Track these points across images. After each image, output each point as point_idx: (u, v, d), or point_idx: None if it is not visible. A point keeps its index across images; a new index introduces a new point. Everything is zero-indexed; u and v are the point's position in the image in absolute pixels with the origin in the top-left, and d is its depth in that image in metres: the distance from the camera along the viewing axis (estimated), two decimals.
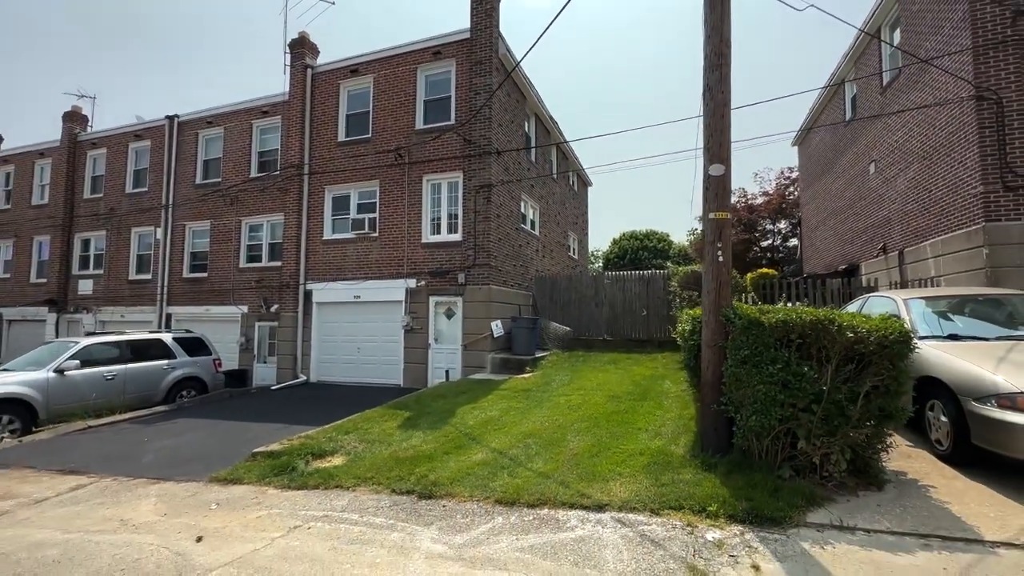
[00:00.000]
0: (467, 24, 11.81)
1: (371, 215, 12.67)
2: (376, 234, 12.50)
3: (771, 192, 25.73)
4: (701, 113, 4.74)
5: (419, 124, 12.36)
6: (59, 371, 8.63)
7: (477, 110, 11.36)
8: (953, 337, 4.97)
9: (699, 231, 35.05)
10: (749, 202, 25.47)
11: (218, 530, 3.99)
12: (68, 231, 17.16)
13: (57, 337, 16.34)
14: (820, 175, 16.95)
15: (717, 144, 4.56)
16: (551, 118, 15.80)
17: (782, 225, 26.50)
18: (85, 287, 16.68)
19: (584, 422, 6.38)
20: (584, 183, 22.43)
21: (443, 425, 6.75)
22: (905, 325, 3.93)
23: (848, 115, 14.29)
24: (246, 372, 13.42)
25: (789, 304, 8.09)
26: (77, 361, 8.85)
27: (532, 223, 14.91)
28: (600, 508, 3.89)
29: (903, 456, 4.63)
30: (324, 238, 13.16)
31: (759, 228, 26.19)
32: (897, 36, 11.35)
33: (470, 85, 11.68)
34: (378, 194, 12.61)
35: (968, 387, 4.14)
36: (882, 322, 3.87)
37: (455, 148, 11.79)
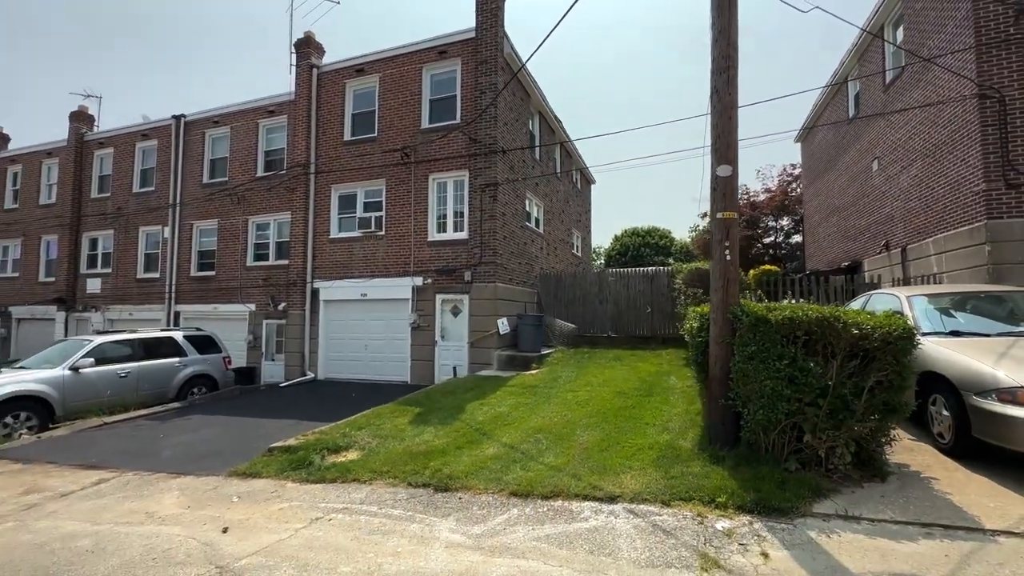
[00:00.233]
0: (466, 24, 11.92)
1: (377, 214, 12.78)
2: (382, 232, 12.62)
3: (774, 189, 25.78)
4: (708, 115, 4.84)
5: (425, 123, 12.45)
6: (74, 369, 8.78)
7: (483, 109, 11.45)
8: (955, 333, 5.08)
9: (701, 228, 35.13)
10: (751, 199, 25.53)
11: (242, 522, 4.13)
12: (76, 230, 17.31)
13: (66, 335, 16.53)
14: (823, 172, 17.02)
15: (724, 145, 4.67)
16: (555, 116, 15.89)
17: (784, 222, 26.57)
18: (93, 286, 16.84)
19: (592, 417, 6.50)
20: (587, 181, 22.51)
21: (454, 421, 6.88)
22: (908, 322, 4.04)
23: (851, 112, 14.35)
24: (254, 369, 13.57)
25: (793, 301, 8.20)
26: (92, 359, 9.00)
27: (536, 221, 15.01)
28: (612, 500, 4.02)
29: (906, 449, 4.75)
30: (331, 236, 13.29)
31: (761, 225, 26.26)
32: (900, 34, 11.41)
33: (475, 84, 11.77)
34: (384, 193, 12.73)
35: (969, 382, 4.25)
36: (886, 319, 3.98)
37: (461, 147, 11.89)
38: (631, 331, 12.77)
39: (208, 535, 3.90)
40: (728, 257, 4.61)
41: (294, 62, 13.90)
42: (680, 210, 75.02)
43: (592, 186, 23.30)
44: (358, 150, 13.08)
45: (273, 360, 13.87)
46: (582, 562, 3.18)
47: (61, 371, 8.63)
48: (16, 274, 18.63)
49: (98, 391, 9.00)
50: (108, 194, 17.01)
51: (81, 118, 17.68)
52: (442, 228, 12.29)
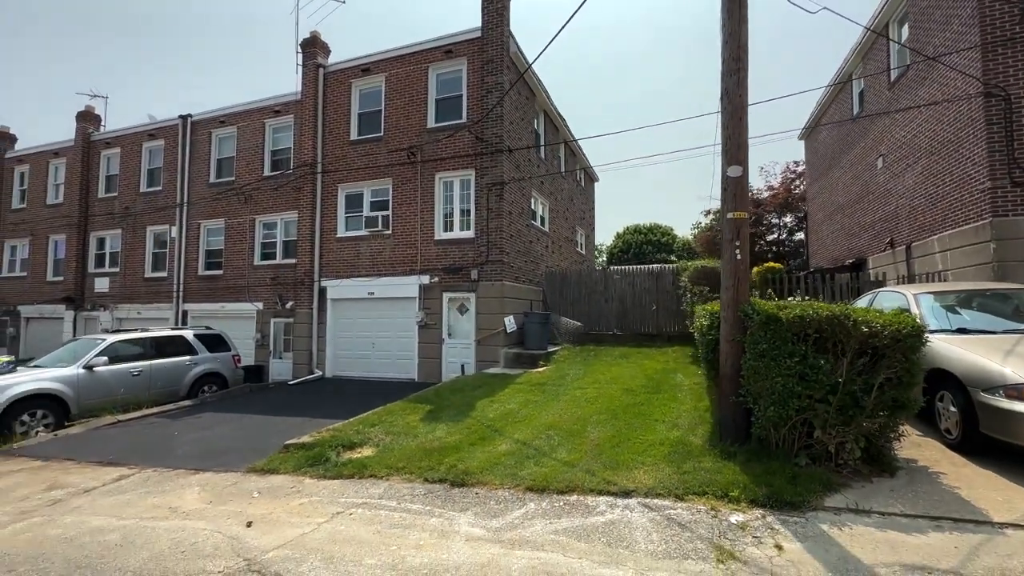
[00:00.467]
0: (465, 23, 11.99)
1: (384, 213, 12.86)
2: (389, 231, 12.70)
3: (777, 186, 25.78)
4: (719, 116, 4.91)
5: (431, 122, 12.52)
6: (88, 367, 8.89)
7: (490, 109, 11.51)
8: (962, 331, 5.15)
9: (703, 225, 35.15)
10: (755, 196, 25.52)
11: (265, 516, 4.23)
12: (84, 230, 17.43)
13: (75, 334, 16.67)
14: (827, 169, 17.05)
15: (735, 146, 4.74)
16: (559, 115, 15.94)
17: (787, 219, 26.57)
18: (102, 285, 16.96)
19: (602, 414, 6.59)
20: (591, 179, 22.56)
21: (464, 418, 6.97)
22: (915, 319, 4.11)
23: (856, 110, 14.38)
24: (263, 368, 13.68)
25: (801, 299, 8.26)
26: (105, 358, 9.11)
27: (542, 219, 15.08)
28: (627, 494, 4.11)
29: (913, 445, 4.83)
30: (338, 235, 13.38)
31: (765, 222, 26.27)
32: (905, 32, 11.43)
33: (481, 83, 11.83)
34: (391, 192, 12.81)
35: (977, 378, 4.33)
36: (895, 317, 4.06)
37: (467, 146, 11.96)
38: (636, 329, 12.85)
39: (233, 529, 4.00)
40: (739, 256, 4.68)
41: (300, 62, 13.96)
42: (682, 208, 75.01)
43: (596, 184, 23.34)
44: (364, 149, 13.15)
45: (281, 358, 13.99)
46: (600, 554, 3.27)
47: (76, 370, 8.75)
48: (24, 273, 18.77)
49: (112, 389, 9.11)
50: (115, 194, 17.12)
51: (88, 118, 17.77)
52: (448, 227, 12.37)
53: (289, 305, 13.72)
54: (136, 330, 10.83)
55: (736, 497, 3.83)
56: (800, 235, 25.94)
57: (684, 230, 42.13)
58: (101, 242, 17.46)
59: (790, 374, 4.12)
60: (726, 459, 4.52)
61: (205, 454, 6.47)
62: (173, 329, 11.60)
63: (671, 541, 3.36)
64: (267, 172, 14.69)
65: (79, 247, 17.33)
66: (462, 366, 11.44)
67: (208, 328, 11.87)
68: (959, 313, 5.62)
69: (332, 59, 14.08)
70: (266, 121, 14.79)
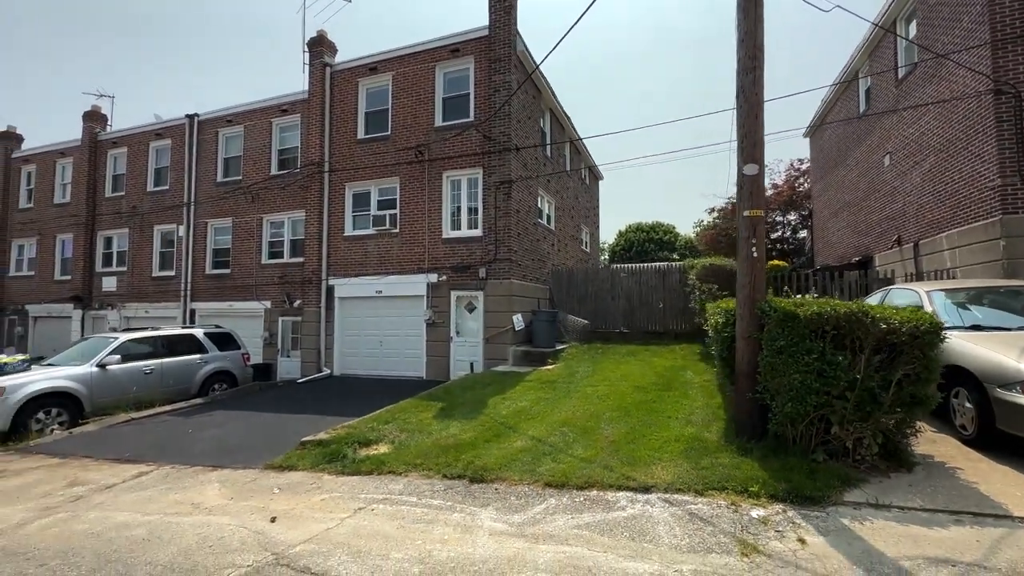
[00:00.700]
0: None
1: (391, 211, 12.90)
2: (397, 230, 12.75)
3: (781, 184, 25.75)
4: (734, 114, 4.94)
5: (438, 121, 12.55)
6: (101, 366, 8.95)
7: (498, 108, 11.54)
8: (976, 328, 5.18)
9: (706, 223, 35.12)
10: None
11: (288, 512, 4.28)
12: (91, 229, 17.50)
13: (82, 333, 16.76)
14: (833, 167, 17.05)
15: (751, 145, 4.77)
16: (565, 114, 15.96)
17: (792, 217, 26.55)
18: (109, 284, 17.05)
19: (614, 411, 6.63)
20: (595, 177, 22.58)
21: (477, 415, 7.02)
22: (934, 316, 4.14)
23: (862, 108, 14.37)
24: (271, 366, 13.75)
25: (813, 296, 8.28)
26: (118, 356, 9.17)
27: (548, 217, 15.11)
28: (646, 490, 4.15)
29: (928, 441, 4.86)
30: (345, 234, 13.42)
31: (769, 220, 26.24)
32: (913, 29, 11.43)
33: (489, 82, 11.86)
34: (398, 191, 12.85)
35: (993, 375, 4.36)
36: (913, 313, 4.09)
37: (474, 144, 11.99)
38: (643, 326, 12.89)
39: (257, 524, 4.05)
40: (755, 254, 4.72)
41: (307, 61, 14.01)
42: (683, 206, 74.94)
43: (600, 182, 23.35)
44: (372, 148, 13.19)
45: (289, 356, 14.06)
46: (625, 548, 3.31)
47: (89, 368, 8.81)
48: (32, 273, 18.86)
49: (124, 387, 9.18)
50: (122, 193, 17.19)
51: (94, 118, 17.84)
52: (456, 225, 12.40)
53: (297, 304, 13.78)
54: (147, 328, 10.90)
55: (756, 492, 3.87)
56: (804, 233, 25.93)
57: (685, 228, 42.11)
58: (108, 241, 17.54)
59: (808, 370, 4.15)
60: (743, 455, 4.56)
61: (221, 451, 6.52)
62: (183, 328, 11.67)
63: (694, 535, 3.40)
64: (274, 171, 14.74)
65: (86, 246, 17.41)
66: (471, 364, 11.49)
67: (218, 327, 11.93)
68: (972, 310, 5.65)
69: (338, 59, 14.11)
70: (273, 120, 14.83)
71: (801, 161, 24.77)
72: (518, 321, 11.63)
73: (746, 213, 4.75)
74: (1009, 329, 5.09)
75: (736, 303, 4.95)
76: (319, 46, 13.89)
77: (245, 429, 7.74)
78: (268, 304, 14.34)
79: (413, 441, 6.01)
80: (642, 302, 13.02)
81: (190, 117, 15.88)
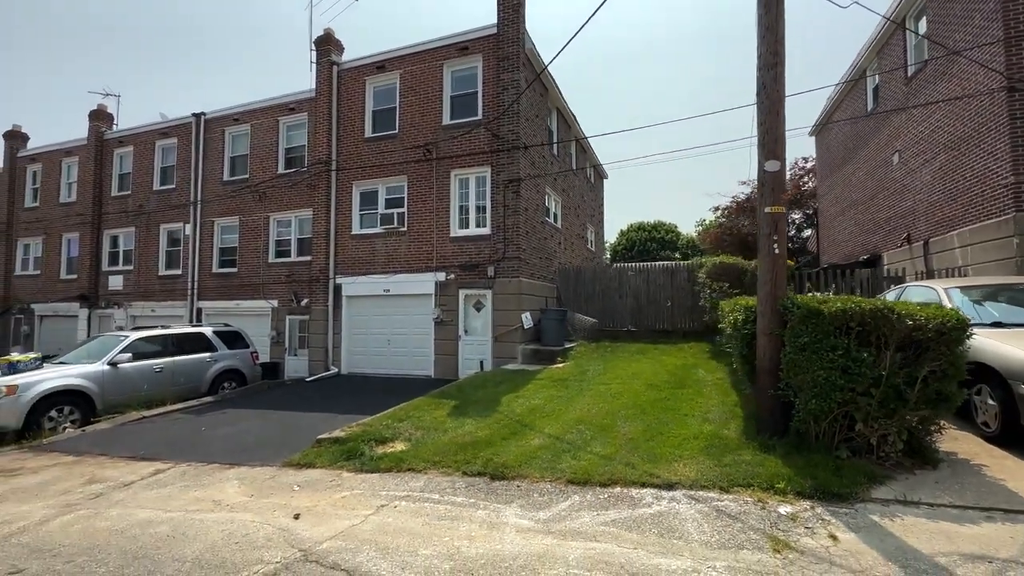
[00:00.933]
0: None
1: (399, 210, 12.89)
2: (404, 228, 12.74)
3: (785, 182, 25.70)
4: (754, 111, 4.92)
5: (446, 120, 12.53)
6: (113, 364, 8.95)
7: (507, 106, 11.52)
8: (997, 324, 5.16)
9: (709, 222, 35.06)
10: None
11: (310, 509, 4.27)
12: (97, 228, 17.51)
13: (89, 332, 16.77)
14: (839, 165, 17.01)
15: (772, 141, 4.75)
16: (571, 113, 15.95)
17: (796, 216, 26.51)
18: (115, 283, 17.05)
19: (629, 409, 6.62)
20: (600, 176, 22.56)
21: (491, 413, 7.01)
22: (960, 313, 4.12)
23: (870, 106, 14.33)
24: (278, 364, 13.74)
25: (831, 293, 8.26)
26: (129, 354, 9.18)
27: (555, 216, 15.10)
28: (670, 486, 4.14)
29: (951, 438, 4.84)
30: (352, 233, 13.41)
31: None
32: (922, 26, 11.39)
33: (497, 80, 11.84)
34: (406, 189, 12.83)
35: (1018, 371, 4.34)
36: (938, 310, 4.08)
37: (483, 143, 11.98)
38: (651, 325, 12.88)
39: (281, 521, 4.04)
40: (777, 250, 4.70)
41: (314, 59, 13.98)
42: (684, 206, 74.88)
43: (604, 181, 23.34)
44: (379, 147, 13.18)
45: (296, 355, 14.05)
46: (654, 544, 3.30)
47: (101, 366, 8.81)
48: (38, 272, 18.87)
49: (136, 386, 9.18)
50: (128, 192, 17.19)
51: (101, 116, 17.84)
52: (464, 224, 12.39)
53: (304, 302, 13.77)
54: (156, 327, 10.89)
55: (782, 489, 3.86)
56: (808, 231, 25.89)
57: (687, 228, 42.05)
58: (115, 240, 17.54)
59: (832, 367, 4.14)
60: (765, 452, 4.54)
61: (236, 449, 6.52)
62: (193, 326, 11.67)
63: (723, 532, 3.39)
64: (281, 170, 14.73)
65: (93, 245, 17.41)
66: (481, 362, 11.48)
67: (227, 325, 11.92)
68: (991, 307, 5.63)
69: (344, 57, 14.09)
70: (280, 119, 14.82)
71: (806, 159, 24.73)
72: (527, 319, 11.62)
73: (767, 209, 4.73)
74: None
75: (757, 300, 4.93)
76: (326, 44, 13.87)
77: (258, 427, 7.74)
78: (275, 303, 14.34)
79: (430, 439, 6.00)
80: (650, 300, 13.00)
81: (197, 116, 15.88)
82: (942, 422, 4.37)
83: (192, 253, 15.61)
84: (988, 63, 8.69)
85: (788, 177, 25.87)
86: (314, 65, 13.99)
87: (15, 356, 8.44)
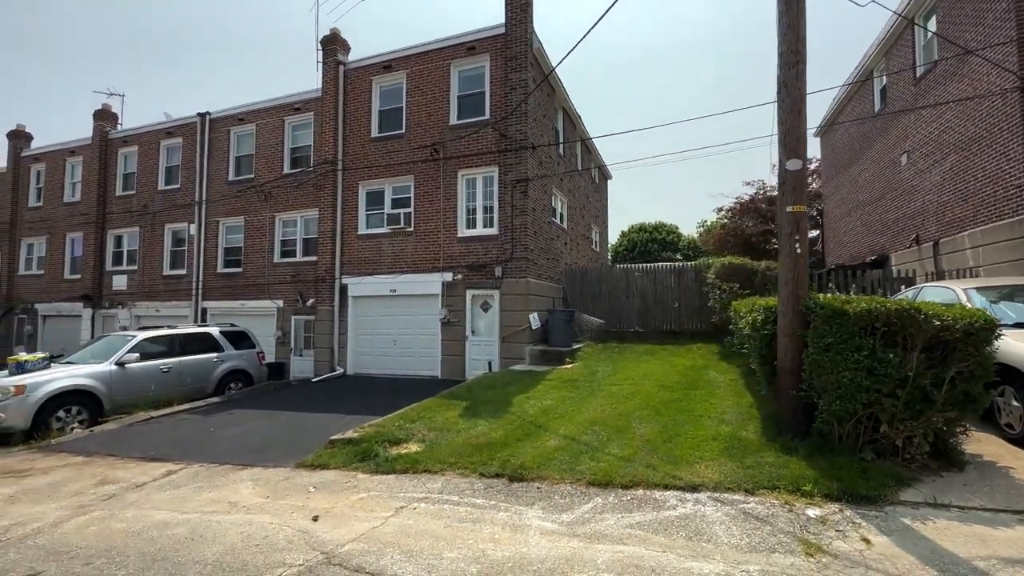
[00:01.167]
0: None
1: (406, 210, 12.85)
2: (411, 228, 12.69)
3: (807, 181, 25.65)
4: (775, 109, 4.88)
5: (453, 119, 12.49)
6: (120, 364, 8.90)
7: (516, 106, 11.48)
8: (1020, 325, 5.11)
9: (710, 223, 35.01)
10: (768, 194, 25.44)
11: (328, 511, 4.22)
12: (101, 228, 17.46)
13: (92, 332, 16.73)
14: (846, 166, 16.97)
15: (794, 139, 4.71)
16: (576, 113, 15.91)
17: None
18: (119, 283, 17.00)
19: (643, 410, 6.57)
20: (604, 177, 22.53)
21: (503, 414, 6.96)
22: (987, 313, 4.07)
23: (877, 107, 14.30)
24: (284, 365, 13.69)
25: (853, 294, 8.21)
26: (136, 354, 9.12)
27: (561, 216, 15.05)
28: (694, 489, 4.09)
29: (973, 440, 4.77)
30: (359, 233, 13.36)
31: (776, 219, 26.18)
32: (932, 27, 11.35)
33: (505, 80, 11.80)
34: (412, 189, 12.79)
35: None
36: (964, 311, 4.03)
37: (490, 143, 11.94)
38: (658, 326, 12.82)
39: (300, 523, 3.99)
40: (799, 250, 4.66)
41: (320, 59, 13.95)
42: (685, 207, 74.83)
43: (609, 182, 23.30)
44: (385, 147, 13.14)
45: (302, 355, 14.01)
46: (683, 548, 3.25)
47: (108, 366, 8.75)
48: (41, 271, 18.82)
49: (143, 386, 9.13)
50: (133, 191, 17.15)
51: (105, 116, 17.79)
52: (471, 224, 12.34)
53: (310, 303, 13.72)
54: (163, 327, 10.84)
55: (809, 491, 3.81)
56: (814, 232, 25.84)
57: (688, 229, 42.04)
58: (119, 240, 17.49)
59: (858, 368, 4.09)
60: (788, 453, 4.49)
61: (247, 450, 6.46)
62: (200, 326, 11.62)
63: (753, 535, 3.34)
64: (287, 169, 14.69)
65: (97, 245, 17.36)
66: (489, 363, 11.43)
67: (233, 325, 11.87)
68: (1009, 308, 5.58)
69: (351, 57, 14.05)
70: (285, 118, 14.78)
71: (810, 160, 24.70)
72: (535, 320, 11.57)
73: (789, 209, 4.69)
74: None
75: (778, 300, 4.88)
76: (332, 44, 13.84)
77: (267, 428, 7.68)
78: (281, 303, 14.29)
79: (443, 440, 5.95)
80: (657, 301, 12.95)
81: (202, 115, 15.83)
82: (967, 424, 4.33)
83: (197, 253, 15.56)
84: (1001, 63, 8.65)
85: None
86: (320, 65, 13.96)
87: (23, 356, 8.37)
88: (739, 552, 3.14)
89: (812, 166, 24.36)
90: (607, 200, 23.11)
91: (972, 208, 9.76)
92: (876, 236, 14.55)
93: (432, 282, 12.31)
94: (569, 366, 10.25)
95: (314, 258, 13.87)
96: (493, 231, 11.94)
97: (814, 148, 20.54)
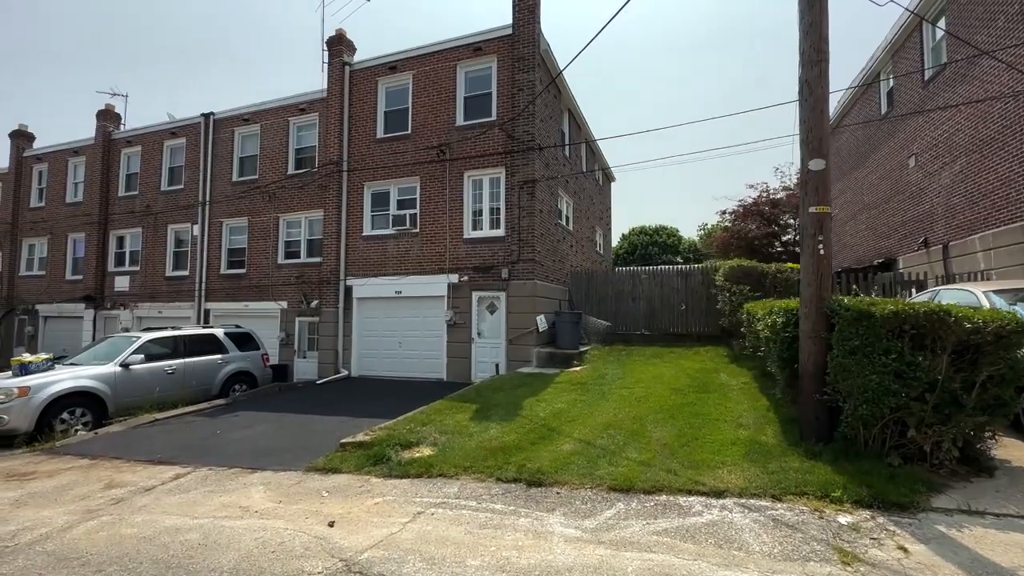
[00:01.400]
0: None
1: (411, 211, 12.77)
2: (417, 230, 12.61)
3: (792, 187, 25.66)
4: (796, 108, 4.81)
5: (459, 120, 12.43)
6: (125, 365, 8.80)
7: (523, 107, 11.42)
8: None
9: (711, 226, 34.99)
10: (771, 197, 25.42)
11: (344, 516, 4.12)
12: (104, 228, 17.36)
13: (94, 333, 16.62)
14: (851, 169, 16.92)
15: (817, 139, 4.64)
16: (582, 114, 15.87)
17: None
18: (121, 283, 16.89)
19: (657, 413, 6.48)
20: (608, 178, 22.48)
21: (515, 417, 6.86)
22: (1018, 316, 3.99)
23: (884, 109, 14.26)
24: (287, 367, 13.59)
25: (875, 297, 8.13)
26: (141, 356, 9.03)
27: (567, 218, 14.98)
28: (719, 494, 4.00)
29: (999, 445, 4.70)
30: (364, 234, 13.28)
31: (780, 223, 26.15)
32: (940, 29, 11.31)
33: (512, 81, 11.74)
34: (418, 190, 12.72)
35: None
36: (995, 313, 3.95)
37: (497, 144, 11.87)
38: (664, 328, 12.74)
39: (316, 529, 3.90)
40: (822, 251, 4.58)
41: (326, 60, 13.89)
42: (687, 207, 74.85)
43: (612, 184, 23.26)
44: (391, 148, 13.07)
45: (305, 357, 13.90)
46: (714, 556, 3.16)
47: (113, 368, 8.65)
48: (42, 272, 18.71)
49: (147, 388, 9.02)
50: (136, 192, 17.05)
51: (108, 116, 17.73)
52: (477, 226, 12.26)
53: (314, 304, 13.63)
54: (168, 328, 10.74)
55: (839, 497, 3.72)
56: None
57: (688, 232, 42.03)
58: (121, 241, 17.40)
59: (885, 371, 4.01)
60: (812, 458, 4.41)
61: (255, 453, 6.37)
62: (204, 327, 11.52)
63: (785, 542, 3.25)
64: (291, 170, 14.62)
65: (99, 246, 17.26)
66: (496, 365, 11.34)
67: (238, 326, 11.78)
68: None
69: (356, 57, 13.99)
70: (290, 119, 14.72)
71: None
72: (542, 322, 11.48)
73: (812, 209, 4.62)
74: None
75: (800, 301, 4.80)
76: (338, 45, 13.79)
77: (274, 430, 7.59)
78: (284, 304, 14.19)
79: (456, 443, 5.85)
80: (663, 304, 12.88)
81: (206, 116, 15.77)
82: (995, 429, 4.25)
83: (200, 254, 15.46)
84: (1015, 64, 8.60)
85: (793, 182, 25.90)
86: (326, 65, 13.90)
87: (27, 357, 8.27)
88: (772, 561, 3.06)
89: None
90: (610, 202, 23.05)
91: (984, 211, 9.70)
92: (882, 239, 14.49)
93: (438, 284, 12.22)
94: (577, 369, 10.16)
95: (318, 259, 13.79)
96: (499, 232, 11.87)
97: None
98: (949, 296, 6.43)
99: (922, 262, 11.97)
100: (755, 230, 25.16)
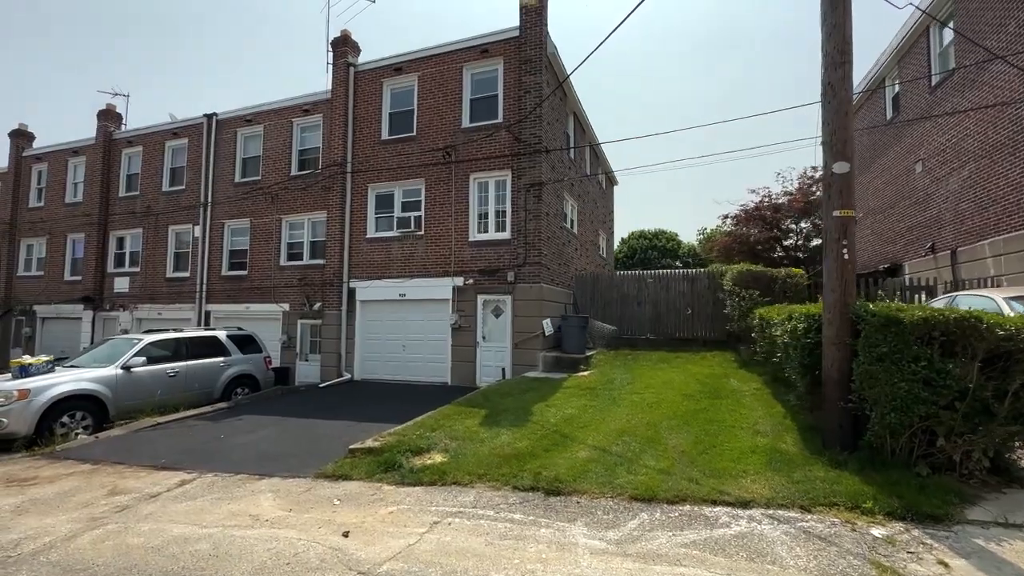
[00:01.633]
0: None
1: (416, 213, 12.67)
2: (421, 232, 12.51)
3: (794, 192, 25.64)
4: (820, 110, 4.74)
5: (465, 123, 12.35)
6: (126, 368, 8.65)
7: (530, 110, 11.35)
8: None
9: (712, 230, 34.97)
10: (773, 201, 25.38)
11: (358, 525, 4.00)
12: (103, 229, 17.21)
13: (93, 334, 16.44)
14: (856, 174, 16.88)
15: (841, 142, 4.56)
16: (587, 118, 15.82)
17: (805, 225, 26.41)
18: (121, 285, 16.73)
19: (671, 420, 6.38)
20: (611, 182, 22.44)
21: (525, 423, 6.75)
22: None
23: (889, 114, 14.25)
24: (289, 370, 13.43)
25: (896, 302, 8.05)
26: (143, 358, 8.88)
27: (572, 222, 14.90)
28: (745, 505, 3.89)
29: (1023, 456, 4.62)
30: (368, 236, 13.17)
31: (782, 227, 26.10)
32: (947, 34, 11.31)
33: (519, 83, 11.68)
34: (423, 192, 12.62)
35: None
36: None
37: (503, 146, 11.79)
38: (670, 333, 12.64)
39: (330, 539, 3.78)
40: (846, 255, 4.50)
41: (330, 60, 13.82)
42: (684, 210, 74.88)
43: (615, 188, 23.22)
44: (396, 149, 12.98)
45: (307, 360, 13.76)
46: (746, 570, 3.05)
47: (114, 370, 8.51)
48: (41, 273, 18.53)
49: (149, 390, 8.88)
50: (137, 192, 16.91)
51: (109, 116, 17.60)
52: (483, 228, 12.16)
53: (317, 307, 13.50)
54: (169, 330, 10.59)
55: (870, 509, 3.62)
56: (817, 241, 25.76)
57: (687, 236, 42.04)
58: (121, 241, 17.24)
59: (914, 379, 3.92)
60: (837, 468, 4.31)
61: (262, 458, 6.24)
62: (206, 329, 11.38)
63: (819, 556, 3.15)
64: (294, 172, 14.51)
65: (98, 246, 17.10)
66: (502, 369, 11.22)
67: (240, 329, 11.64)
68: None
69: (361, 59, 13.92)
70: (294, 120, 14.62)
71: (815, 168, 24.65)
72: (548, 326, 11.38)
73: (836, 213, 4.54)
74: None
75: (823, 307, 4.71)
76: (343, 46, 13.71)
77: (278, 435, 7.46)
78: (286, 307, 14.06)
79: (468, 450, 5.73)
80: (668, 308, 12.79)
81: (208, 116, 15.66)
82: None
83: (201, 255, 15.32)
84: None
85: (796, 187, 25.88)
86: (330, 66, 13.83)
87: (27, 359, 8.12)
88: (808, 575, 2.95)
89: (818, 175, 24.35)
90: (613, 205, 23.00)
91: (994, 216, 9.65)
92: (888, 244, 14.45)
93: (443, 287, 12.11)
94: (585, 373, 10.05)
95: (321, 261, 13.66)
96: (505, 235, 11.77)
97: (816, 157, 20.55)
98: (968, 302, 6.34)
99: (929, 268, 11.92)
100: (757, 234, 25.11)
